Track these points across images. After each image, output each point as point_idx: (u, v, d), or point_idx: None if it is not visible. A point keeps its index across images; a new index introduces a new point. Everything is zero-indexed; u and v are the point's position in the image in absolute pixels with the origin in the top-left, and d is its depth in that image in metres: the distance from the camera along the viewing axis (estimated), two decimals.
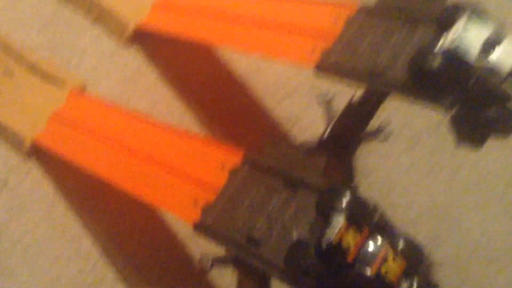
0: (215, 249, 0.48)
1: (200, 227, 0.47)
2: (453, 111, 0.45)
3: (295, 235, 0.41)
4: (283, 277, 0.41)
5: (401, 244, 0.40)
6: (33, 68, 0.68)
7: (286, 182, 0.46)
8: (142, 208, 0.64)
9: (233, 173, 0.50)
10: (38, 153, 0.66)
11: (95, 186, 0.61)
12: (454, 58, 0.47)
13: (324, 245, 0.38)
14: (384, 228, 0.40)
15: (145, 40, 0.80)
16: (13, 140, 0.65)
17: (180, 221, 0.60)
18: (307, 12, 0.63)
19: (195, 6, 0.74)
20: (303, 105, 0.84)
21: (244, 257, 0.44)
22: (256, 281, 0.49)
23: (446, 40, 0.48)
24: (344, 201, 0.40)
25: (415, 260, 0.40)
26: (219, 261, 0.57)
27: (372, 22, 0.57)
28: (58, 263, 0.63)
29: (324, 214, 0.39)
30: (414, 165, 0.79)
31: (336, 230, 0.38)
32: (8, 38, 0.74)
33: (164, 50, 0.80)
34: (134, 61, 0.79)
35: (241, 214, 0.46)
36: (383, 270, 0.38)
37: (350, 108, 0.75)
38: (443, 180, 0.78)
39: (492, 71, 0.46)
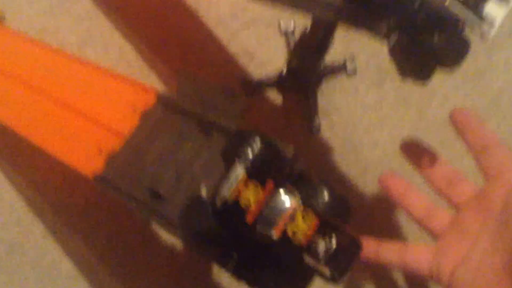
0: None
1: (101, 180, 0.41)
2: (393, 39, 0.37)
3: (199, 189, 0.35)
4: (182, 239, 0.35)
5: (319, 199, 0.34)
6: None
7: (200, 126, 0.39)
8: None
9: (144, 116, 0.43)
10: None
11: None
12: None
13: (219, 203, 0.31)
14: (298, 181, 0.33)
15: None
16: None
17: None
18: None
19: None
20: (261, 37, 0.76)
21: (147, 216, 0.38)
22: None
23: None
24: (249, 149, 0.33)
25: (336, 215, 0.34)
26: None
27: None
28: None
29: (227, 165, 0.33)
30: (380, 102, 0.72)
31: (234, 185, 0.32)
32: None
33: None
34: None
35: (149, 164, 0.40)
36: (290, 231, 0.32)
37: (304, 39, 0.67)
38: (410, 117, 0.72)
39: None
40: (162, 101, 0.43)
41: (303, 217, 0.32)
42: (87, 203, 0.61)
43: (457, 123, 0.44)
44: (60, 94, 0.47)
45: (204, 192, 0.33)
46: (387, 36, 0.37)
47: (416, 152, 0.46)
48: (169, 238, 0.60)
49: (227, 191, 0.32)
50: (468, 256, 0.38)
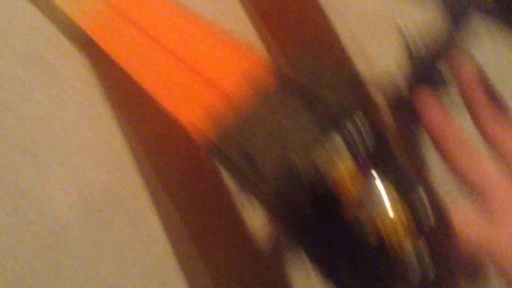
0: None
1: (210, 145, 0.42)
2: None
3: (289, 156, 0.34)
4: (264, 202, 0.34)
5: (416, 195, 0.31)
6: None
7: (306, 99, 0.39)
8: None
9: (257, 86, 0.44)
10: (88, 43, 0.63)
11: (137, 89, 0.57)
12: None
13: (307, 168, 0.30)
14: (397, 169, 0.31)
15: None
16: (66, 25, 0.64)
17: None
18: None
19: None
20: (374, 31, 0.73)
21: (233, 174, 0.39)
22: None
23: None
24: (350, 122, 0.31)
25: (430, 220, 0.31)
26: None
27: None
28: (84, 152, 0.60)
29: (323, 132, 0.31)
30: None
31: (327, 153, 0.30)
32: None
33: None
34: None
35: (248, 129, 0.40)
36: (378, 219, 0.30)
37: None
38: None
39: None
40: (277, 73, 0.43)
41: (397, 210, 0.30)
42: (187, 174, 0.62)
43: None
44: (188, 56, 0.49)
45: (292, 158, 0.32)
46: None
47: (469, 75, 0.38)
48: (254, 224, 0.59)
49: (318, 158, 0.30)
50: None
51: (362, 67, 0.70)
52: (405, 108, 0.69)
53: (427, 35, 0.60)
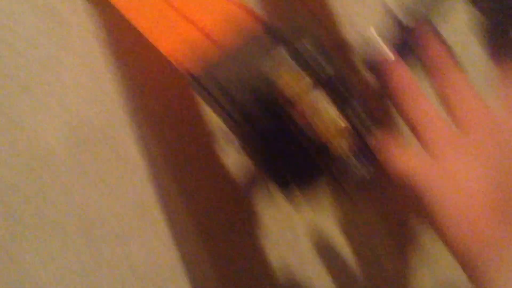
0: None
1: (193, 77, 0.46)
2: None
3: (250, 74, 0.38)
4: (235, 128, 0.38)
5: (356, 110, 0.34)
6: None
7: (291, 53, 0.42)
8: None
9: (247, 37, 0.47)
10: None
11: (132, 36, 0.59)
12: None
13: (253, 70, 0.34)
14: (341, 88, 0.34)
15: None
16: None
17: None
18: None
19: None
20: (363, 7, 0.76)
21: (210, 104, 0.42)
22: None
23: None
24: (299, 42, 0.35)
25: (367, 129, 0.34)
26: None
27: None
28: (78, 91, 0.62)
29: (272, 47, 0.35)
30: None
31: (274, 62, 0.33)
32: None
33: None
34: None
35: (225, 64, 0.44)
36: (322, 124, 0.33)
37: None
38: None
39: None
40: (267, 29, 0.47)
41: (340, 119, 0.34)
42: (170, 111, 0.64)
43: None
44: (184, 6, 0.53)
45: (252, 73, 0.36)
46: None
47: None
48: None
49: (263, 63, 0.34)
50: (463, 181, 0.36)
51: (345, 30, 0.72)
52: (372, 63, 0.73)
53: (407, 10, 0.63)
